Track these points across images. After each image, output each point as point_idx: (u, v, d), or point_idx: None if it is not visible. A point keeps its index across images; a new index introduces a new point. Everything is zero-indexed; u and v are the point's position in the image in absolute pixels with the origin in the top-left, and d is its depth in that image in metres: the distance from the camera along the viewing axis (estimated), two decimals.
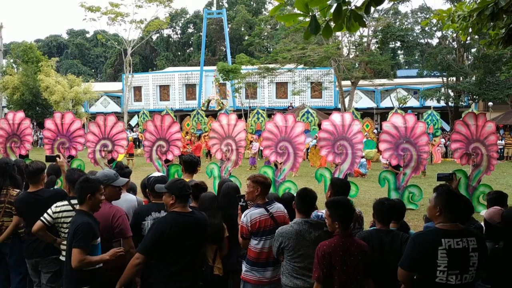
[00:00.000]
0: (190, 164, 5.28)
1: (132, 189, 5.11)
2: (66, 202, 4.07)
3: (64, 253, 4.10)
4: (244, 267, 3.95)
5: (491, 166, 8.79)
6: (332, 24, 2.84)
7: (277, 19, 3.14)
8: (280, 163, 9.07)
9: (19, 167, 5.26)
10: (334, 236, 3.34)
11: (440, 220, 2.99)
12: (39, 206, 4.16)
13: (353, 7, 2.77)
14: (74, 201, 4.03)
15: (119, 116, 37.33)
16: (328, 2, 2.68)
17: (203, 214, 3.73)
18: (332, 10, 2.71)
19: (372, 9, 2.80)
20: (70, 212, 4.00)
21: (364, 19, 2.83)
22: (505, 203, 4.18)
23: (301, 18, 2.81)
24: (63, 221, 3.99)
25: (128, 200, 4.39)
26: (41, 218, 4.00)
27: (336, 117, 8.91)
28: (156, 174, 4.22)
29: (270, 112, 27.12)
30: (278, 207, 4.00)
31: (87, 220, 3.49)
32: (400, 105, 31.62)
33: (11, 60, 42.02)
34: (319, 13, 2.78)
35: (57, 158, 5.16)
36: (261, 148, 11.03)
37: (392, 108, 29.45)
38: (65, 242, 4.07)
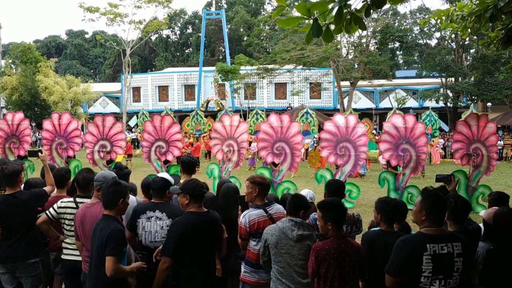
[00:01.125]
0: (189, 164, 5.25)
1: (132, 190, 5.10)
2: (71, 199, 4.13)
3: (65, 251, 4.13)
4: (243, 268, 3.95)
5: (491, 167, 8.79)
6: (332, 26, 2.84)
7: (278, 24, 3.12)
8: (277, 164, 9.06)
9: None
10: (328, 238, 3.35)
11: (425, 225, 2.95)
12: (16, 208, 4.10)
13: (353, 10, 2.77)
14: (79, 199, 4.10)
15: (117, 116, 37.35)
16: (331, 5, 2.67)
17: (216, 213, 3.78)
18: (333, 13, 2.70)
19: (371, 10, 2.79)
20: (73, 209, 4.04)
21: (364, 20, 2.82)
22: (506, 204, 4.18)
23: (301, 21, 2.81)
24: (65, 217, 4.06)
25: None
26: (46, 212, 4.06)
27: (339, 118, 8.91)
28: (162, 174, 4.20)
29: (269, 113, 27.12)
30: (277, 208, 3.97)
31: (119, 227, 3.42)
32: (399, 106, 31.65)
33: (10, 61, 41.96)
34: (318, 16, 2.77)
35: (39, 153, 4.99)
36: (255, 150, 11.04)
37: (391, 109, 29.50)
38: (68, 240, 4.11)
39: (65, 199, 4.12)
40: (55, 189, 4.59)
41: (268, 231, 3.60)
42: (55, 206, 4.07)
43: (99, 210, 3.75)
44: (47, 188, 4.46)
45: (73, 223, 3.98)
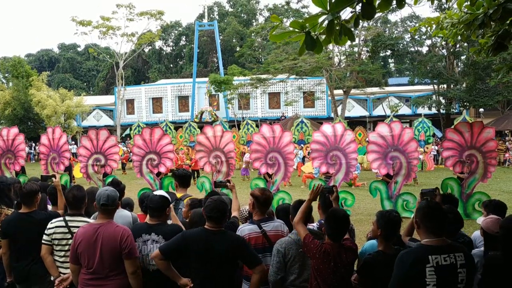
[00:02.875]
0: (184, 178, 5.25)
1: (128, 205, 5.05)
2: (61, 219, 3.97)
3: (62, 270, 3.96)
4: (244, 285, 3.88)
5: (488, 173, 8.68)
6: (322, 36, 2.85)
7: (270, 39, 3.14)
8: (272, 175, 9.03)
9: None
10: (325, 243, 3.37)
11: (423, 236, 2.93)
12: (31, 228, 4.05)
13: (343, 21, 2.78)
14: (69, 218, 3.95)
15: (111, 129, 37.25)
16: (323, 17, 2.68)
17: (236, 235, 3.61)
18: (324, 25, 2.71)
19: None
20: (63, 228, 3.90)
21: (355, 29, 2.84)
22: (504, 211, 4.19)
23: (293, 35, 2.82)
24: (55, 237, 3.89)
25: (123, 217, 4.32)
26: (42, 241, 3.92)
27: (327, 128, 8.90)
28: (160, 192, 4.08)
29: (261, 123, 27.13)
30: (275, 226, 3.88)
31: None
32: (393, 113, 31.85)
33: (1, 76, 41.83)
34: (309, 29, 2.79)
35: (53, 178, 4.96)
36: (250, 160, 10.97)
37: (384, 116, 29.60)
38: (61, 259, 3.95)
39: (54, 220, 3.99)
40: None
41: (284, 245, 3.52)
42: (46, 230, 3.92)
43: (114, 228, 3.62)
44: (60, 212, 4.45)
45: (63, 243, 3.88)
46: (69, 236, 3.88)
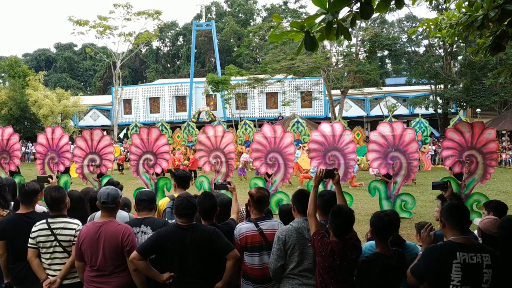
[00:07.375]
0: (183, 179, 5.24)
1: (126, 205, 5.02)
2: (43, 221, 3.93)
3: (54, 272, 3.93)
4: (243, 283, 3.89)
5: (488, 174, 8.63)
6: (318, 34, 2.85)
7: (269, 39, 3.17)
8: (271, 175, 9.00)
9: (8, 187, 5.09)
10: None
11: (450, 234, 3.00)
12: (28, 229, 3.99)
13: (340, 20, 2.77)
14: (51, 220, 3.91)
15: (109, 129, 37.15)
16: (322, 17, 2.67)
17: (207, 227, 3.64)
18: (322, 24, 2.70)
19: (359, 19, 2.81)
20: (46, 230, 3.87)
21: (353, 29, 2.83)
22: (505, 212, 4.19)
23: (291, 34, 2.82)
24: (40, 240, 3.87)
25: (120, 217, 4.29)
26: (28, 245, 3.91)
27: (325, 127, 8.85)
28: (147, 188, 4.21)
29: (261, 123, 27.14)
30: (272, 224, 3.90)
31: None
32: (391, 113, 31.85)
33: None
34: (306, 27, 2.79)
35: (49, 179, 4.98)
36: (251, 160, 10.91)
37: (381, 116, 29.63)
38: (44, 266, 3.91)
39: (37, 223, 3.95)
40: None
41: (284, 233, 3.58)
42: (30, 234, 3.90)
43: (115, 226, 3.71)
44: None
45: (48, 245, 3.86)
46: (52, 238, 3.87)
